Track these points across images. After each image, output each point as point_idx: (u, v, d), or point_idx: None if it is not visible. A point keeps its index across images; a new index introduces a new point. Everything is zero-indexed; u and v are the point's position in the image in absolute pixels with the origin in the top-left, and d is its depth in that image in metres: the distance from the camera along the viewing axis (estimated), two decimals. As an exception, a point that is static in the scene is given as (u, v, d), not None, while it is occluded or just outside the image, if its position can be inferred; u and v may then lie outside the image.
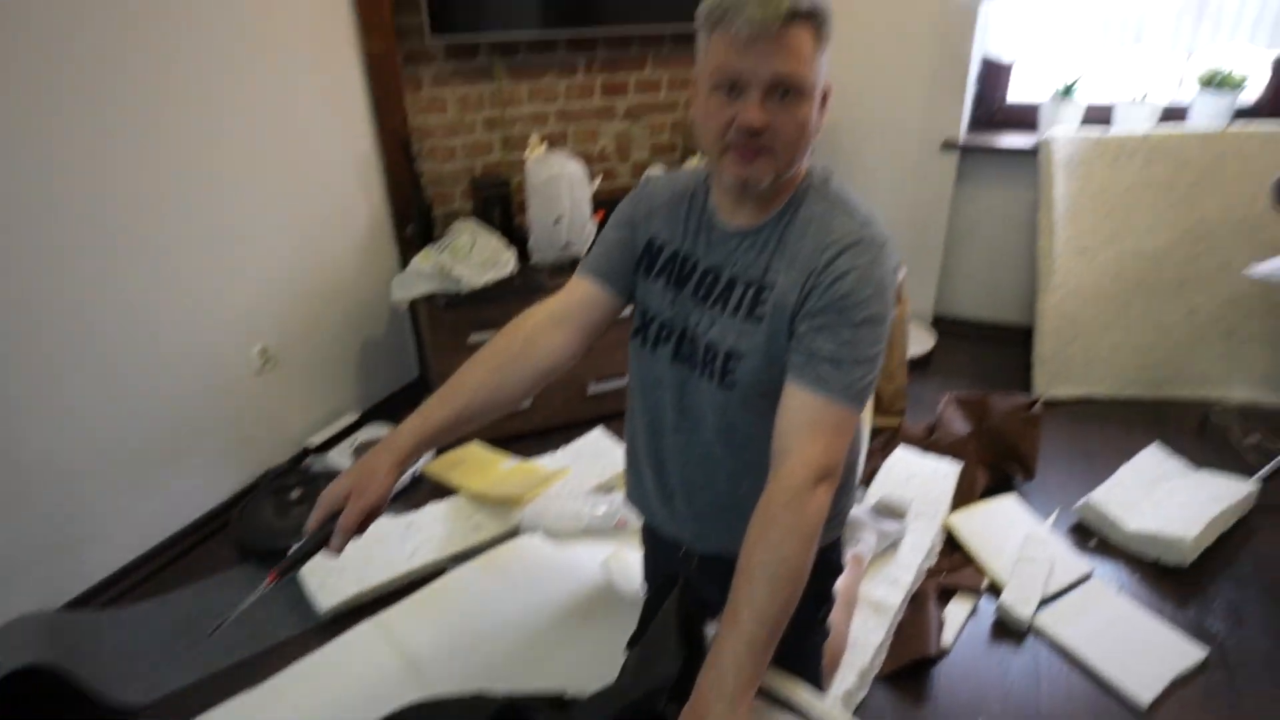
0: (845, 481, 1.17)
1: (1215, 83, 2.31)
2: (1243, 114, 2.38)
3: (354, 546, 1.39)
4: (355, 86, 2.17)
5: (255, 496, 1.99)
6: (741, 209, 0.99)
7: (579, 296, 1.08)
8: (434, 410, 0.98)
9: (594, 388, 2.34)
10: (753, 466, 1.03)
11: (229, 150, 1.86)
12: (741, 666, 0.79)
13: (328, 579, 1.74)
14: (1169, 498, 1.93)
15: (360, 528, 0.90)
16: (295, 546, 0.90)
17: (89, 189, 1.60)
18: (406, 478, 2.12)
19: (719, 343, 0.99)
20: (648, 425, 1.13)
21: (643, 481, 1.20)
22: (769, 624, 0.81)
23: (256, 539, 1.87)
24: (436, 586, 1.70)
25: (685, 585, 1.21)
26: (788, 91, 0.88)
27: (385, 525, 1.90)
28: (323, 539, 0.90)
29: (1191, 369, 2.43)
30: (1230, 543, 1.85)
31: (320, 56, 2.05)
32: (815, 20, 0.88)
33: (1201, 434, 2.27)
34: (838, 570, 1.28)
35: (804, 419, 0.90)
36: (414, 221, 2.27)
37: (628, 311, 1.13)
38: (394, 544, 1.85)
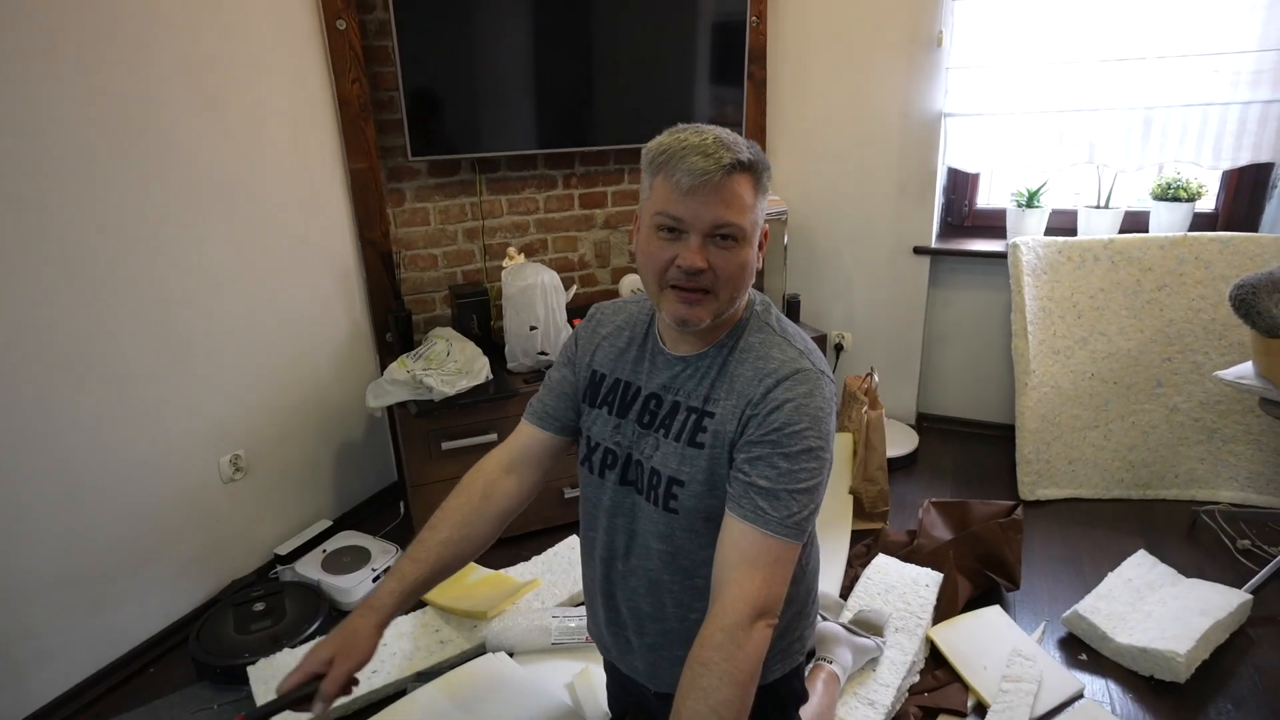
0: (802, 606, 1.14)
1: (1169, 194, 2.40)
2: (1201, 221, 2.45)
3: None
4: (339, 201, 2.26)
5: (215, 610, 1.94)
6: (684, 340, 1.02)
7: (524, 441, 1.14)
8: (408, 570, 1.04)
9: (570, 493, 2.31)
10: (701, 593, 1.01)
11: (208, 259, 1.92)
12: None
13: (282, 702, 1.67)
14: (1160, 607, 1.87)
15: (345, 691, 0.94)
16: (269, 701, 0.91)
17: (54, 290, 1.63)
18: (377, 585, 2.07)
19: (662, 469, 1.00)
20: (598, 553, 1.12)
21: (596, 615, 1.17)
22: None
23: (215, 655, 1.80)
24: (392, 711, 1.63)
25: (636, 718, 1.16)
26: (727, 236, 0.92)
27: (348, 641, 1.84)
28: (301, 699, 0.91)
29: (1177, 469, 2.40)
30: (1227, 657, 1.77)
31: (304, 172, 2.15)
32: (754, 171, 0.93)
33: (1191, 536, 2.22)
34: (800, 698, 1.22)
35: (741, 553, 0.89)
36: (393, 329, 2.31)
37: None
38: (355, 662, 1.78)
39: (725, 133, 0.93)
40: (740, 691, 0.82)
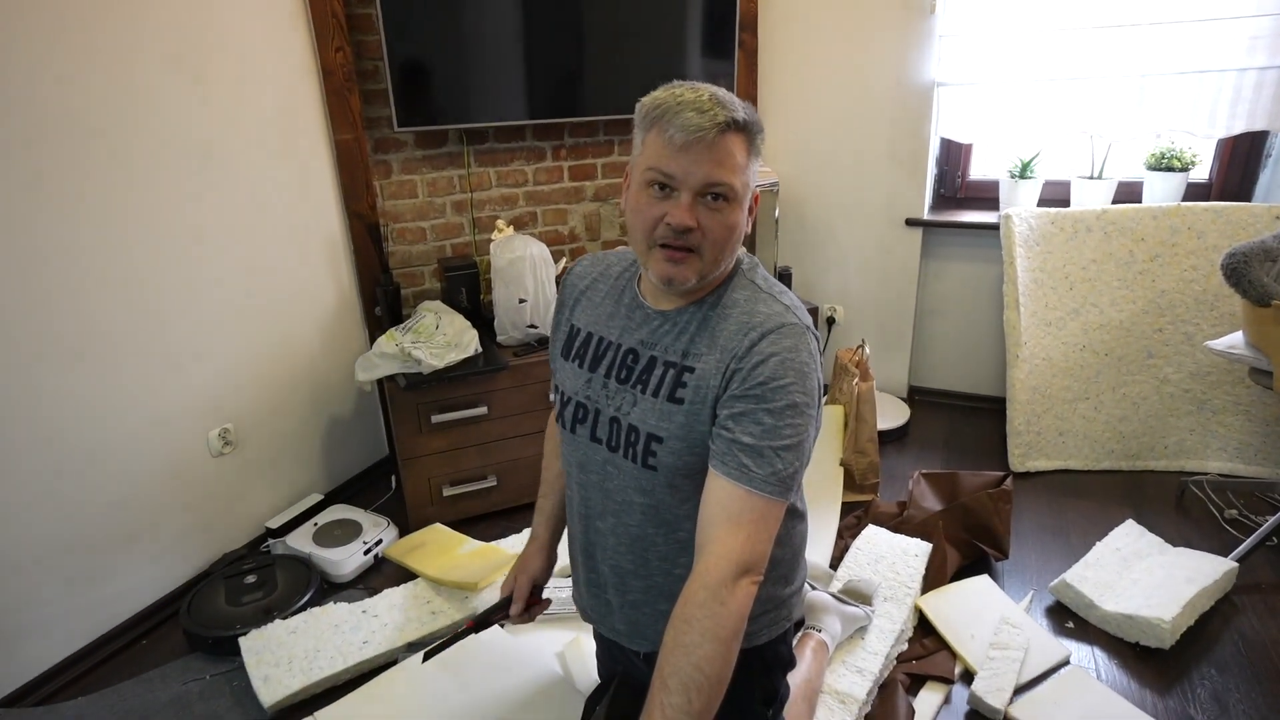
0: (788, 570, 1.14)
1: (1163, 164, 2.38)
2: (1195, 192, 2.44)
3: (304, 635, 1.74)
4: (324, 173, 2.23)
5: (208, 582, 1.94)
6: (666, 296, 1.00)
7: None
8: (543, 503, 1.30)
9: (561, 466, 2.31)
10: (685, 547, 1.01)
11: (194, 235, 1.90)
12: None
13: (273, 671, 1.68)
14: (1146, 576, 1.88)
15: (534, 601, 1.25)
16: (481, 613, 1.24)
17: (42, 265, 1.61)
18: (369, 558, 2.08)
19: (640, 425, 0.98)
20: (577, 510, 1.12)
21: (577, 576, 1.17)
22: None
23: (207, 627, 1.81)
24: (382, 680, 1.65)
25: (619, 688, 1.17)
26: (718, 196, 0.91)
27: (339, 613, 1.85)
28: (498, 608, 1.23)
29: (1166, 440, 2.41)
30: (1212, 624, 1.79)
31: (289, 144, 2.11)
32: (749, 132, 0.91)
33: (1179, 507, 2.23)
34: (788, 664, 1.23)
35: (725, 510, 0.88)
36: (382, 302, 2.30)
37: None
38: (347, 631, 1.79)
39: (721, 91, 0.92)
40: (723, 648, 0.82)
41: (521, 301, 2.18)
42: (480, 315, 2.36)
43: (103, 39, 1.65)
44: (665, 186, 0.91)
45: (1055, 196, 2.59)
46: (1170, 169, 2.38)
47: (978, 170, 2.81)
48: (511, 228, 2.37)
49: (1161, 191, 2.41)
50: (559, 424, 1.10)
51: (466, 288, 2.35)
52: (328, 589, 2.01)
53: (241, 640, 1.75)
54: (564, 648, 1.70)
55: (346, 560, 2.03)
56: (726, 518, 0.88)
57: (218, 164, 1.93)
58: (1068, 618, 1.84)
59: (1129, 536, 2.03)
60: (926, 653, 1.74)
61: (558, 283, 2.30)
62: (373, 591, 1.96)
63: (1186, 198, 2.41)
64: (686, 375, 0.96)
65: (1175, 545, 2.00)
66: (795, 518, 1.10)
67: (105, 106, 1.67)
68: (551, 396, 1.14)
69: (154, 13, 1.74)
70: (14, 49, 1.51)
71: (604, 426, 1.02)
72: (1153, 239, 2.33)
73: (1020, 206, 2.46)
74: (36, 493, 1.65)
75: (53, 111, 1.58)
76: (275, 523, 2.16)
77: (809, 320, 0.97)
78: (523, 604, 1.22)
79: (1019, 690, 1.61)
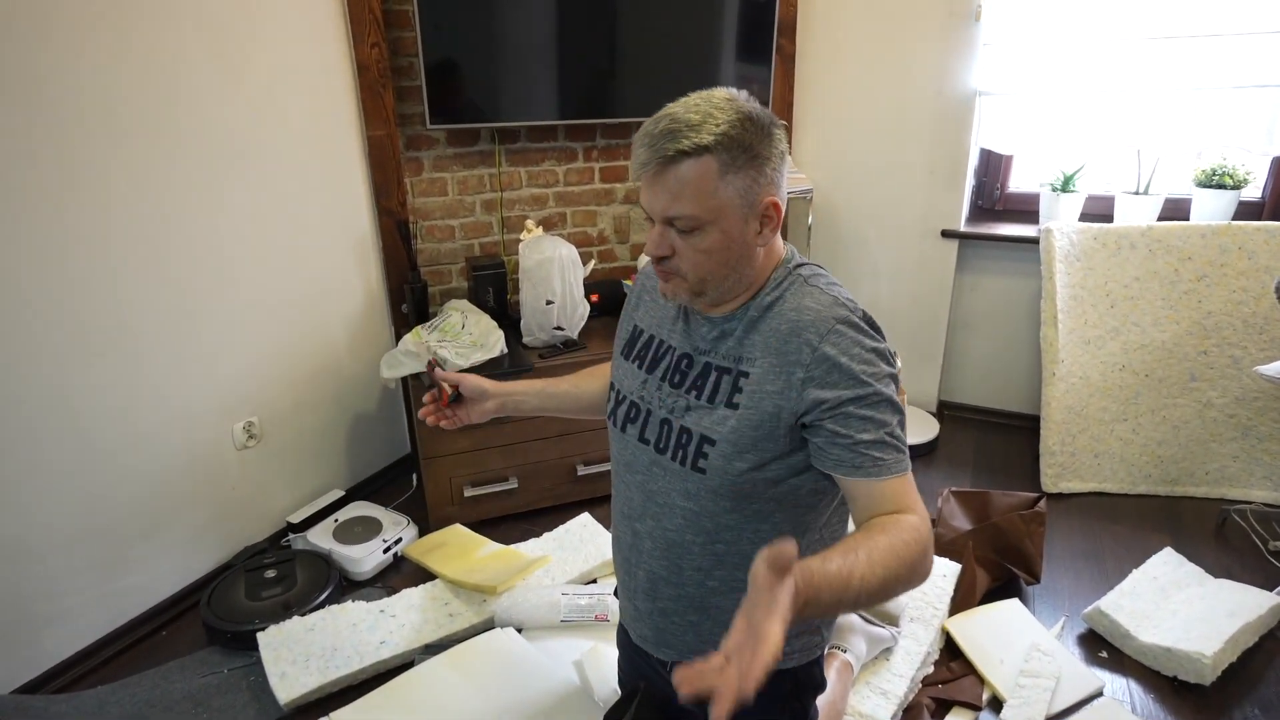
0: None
1: (1214, 182, 2.30)
2: (1246, 210, 2.36)
3: (322, 632, 1.75)
4: (356, 169, 2.23)
5: (228, 576, 1.94)
6: (704, 305, 0.99)
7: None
8: (533, 379, 1.27)
9: (583, 469, 2.29)
10: (723, 561, 0.99)
11: (223, 226, 1.90)
12: (833, 587, 0.73)
13: (290, 669, 1.67)
14: (1186, 607, 1.82)
15: (455, 398, 1.20)
16: (439, 371, 1.20)
17: (73, 259, 1.62)
18: (388, 557, 2.07)
19: (694, 427, 0.97)
20: (620, 510, 1.10)
21: (619, 576, 1.16)
22: (876, 578, 0.77)
23: (226, 620, 1.81)
24: (399, 682, 1.63)
25: (643, 703, 1.14)
26: (682, 228, 0.90)
27: (358, 611, 1.84)
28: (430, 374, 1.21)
29: (1207, 466, 2.33)
30: (1255, 661, 1.72)
31: (322, 139, 2.12)
32: (715, 152, 0.86)
33: (1220, 536, 2.16)
34: (819, 687, 1.19)
35: (885, 505, 0.88)
36: (409, 300, 2.29)
37: None
38: (364, 631, 1.79)
39: (689, 112, 0.87)
40: (920, 551, 0.82)
41: (549, 303, 2.16)
42: (507, 316, 2.34)
43: (140, 34, 1.65)
44: (648, 215, 0.94)
45: (1098, 211, 2.52)
46: (1221, 186, 2.31)
47: (1018, 183, 2.74)
48: (541, 228, 2.35)
49: (1211, 209, 2.33)
50: (610, 421, 1.09)
51: (494, 288, 2.34)
52: (346, 586, 2.01)
53: (260, 636, 1.74)
54: (582, 656, 1.68)
55: (366, 558, 2.02)
56: (891, 508, 0.87)
57: (250, 158, 1.93)
58: (1101, 647, 1.78)
59: (1167, 565, 1.97)
60: (953, 677, 1.69)
61: (586, 288, 2.28)
62: (391, 590, 1.95)
63: (1237, 217, 2.33)
64: (742, 380, 0.94)
65: (1216, 576, 1.93)
66: (829, 541, 1.07)
67: (140, 101, 1.68)
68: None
69: (192, 7, 1.74)
70: (51, 44, 1.52)
71: (654, 428, 1.01)
72: (1200, 258, 2.25)
73: (1061, 221, 2.40)
74: (62, 483, 1.66)
75: (87, 106, 1.59)
76: (296, 517, 2.16)
77: (859, 304, 0.96)
78: (446, 382, 1.19)
79: (1049, 721, 1.56)
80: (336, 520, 2.15)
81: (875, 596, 0.78)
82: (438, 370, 1.19)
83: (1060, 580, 2.00)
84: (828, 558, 0.75)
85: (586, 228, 2.64)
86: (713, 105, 0.88)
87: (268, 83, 1.94)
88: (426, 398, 1.20)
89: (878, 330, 0.94)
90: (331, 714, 1.56)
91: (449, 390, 1.17)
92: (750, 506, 0.96)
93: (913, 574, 0.82)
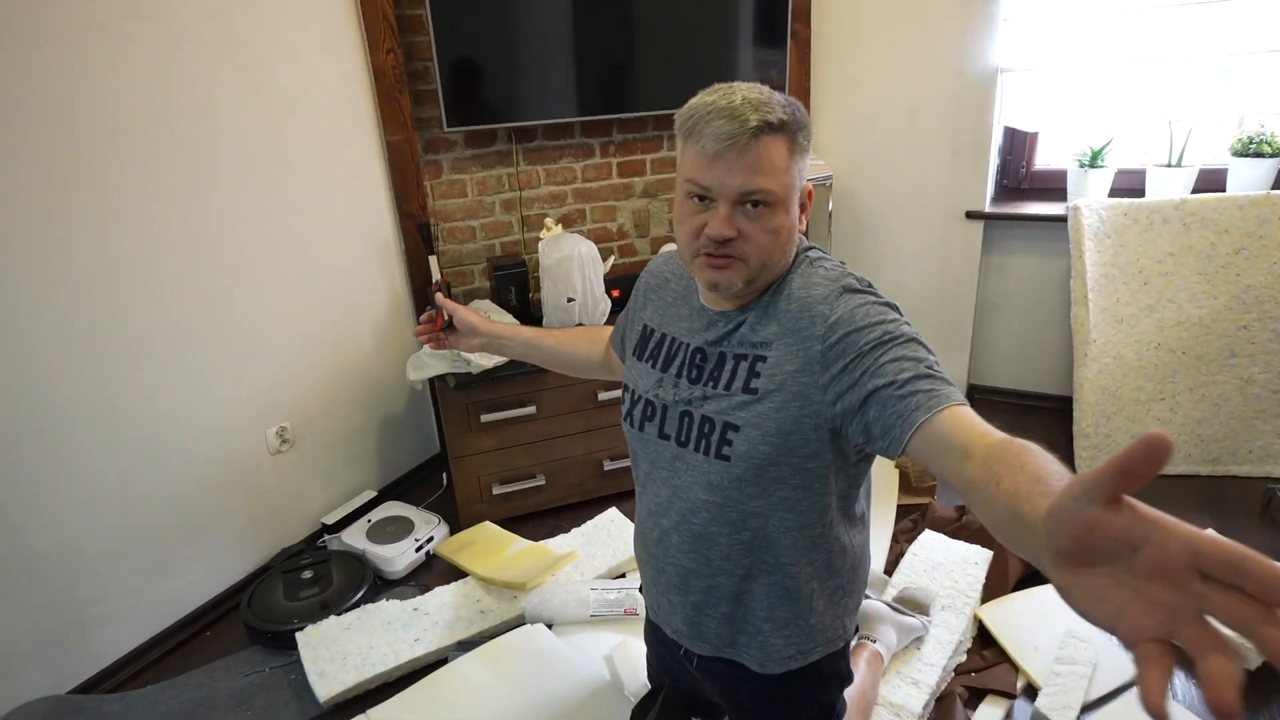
0: (846, 581, 1.10)
1: (1251, 150, 2.22)
2: (1286, 178, 2.27)
3: (358, 631, 1.82)
4: (376, 174, 2.26)
5: (266, 577, 2.00)
6: (722, 299, 0.98)
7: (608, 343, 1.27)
8: (524, 328, 1.31)
9: (609, 465, 2.31)
10: (751, 549, 0.99)
11: (251, 236, 1.95)
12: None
13: (328, 667, 1.71)
14: (1228, 590, 1.77)
15: (449, 325, 1.24)
16: (440, 296, 1.26)
17: (108, 270, 1.68)
18: (420, 555, 2.11)
19: (715, 417, 0.96)
20: (646, 507, 1.11)
21: (645, 573, 1.16)
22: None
23: (266, 621, 1.86)
24: (434, 679, 1.67)
25: (668, 697, 1.15)
26: (757, 203, 0.88)
27: (392, 610, 1.88)
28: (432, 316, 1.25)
29: (1251, 444, 2.26)
30: (1301, 643, 1.67)
31: (342, 146, 2.15)
32: (787, 131, 0.87)
33: (1266, 515, 2.10)
34: (846, 679, 1.19)
35: (957, 436, 0.76)
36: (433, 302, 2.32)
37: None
38: (399, 629, 1.82)
39: (758, 91, 0.88)
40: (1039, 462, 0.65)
41: (570, 300, 2.18)
42: (529, 313, 2.36)
43: (162, 50, 1.70)
44: (704, 197, 0.89)
45: (1129, 186, 2.45)
46: (1259, 155, 2.22)
47: (1044, 160, 2.68)
48: (560, 226, 2.36)
49: (1249, 179, 2.25)
50: (626, 422, 1.09)
51: (515, 286, 2.36)
52: (381, 585, 2.05)
53: (298, 635, 1.79)
54: (612, 650, 1.69)
55: (399, 557, 2.06)
56: (960, 436, 0.75)
57: (273, 169, 1.97)
58: (1140, 633, 1.74)
59: (1209, 547, 1.91)
60: (986, 665, 1.68)
61: (607, 284, 2.28)
62: (424, 589, 1.99)
63: (1276, 186, 2.24)
64: (760, 365, 0.93)
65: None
66: (853, 527, 1.06)
67: (167, 119, 1.72)
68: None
69: (212, 24, 1.78)
70: (79, 65, 1.56)
71: (673, 422, 1.01)
72: (1238, 230, 2.18)
73: (1090, 197, 2.33)
74: (107, 490, 1.72)
75: (118, 127, 1.64)
76: (331, 519, 2.21)
77: (865, 279, 0.95)
78: (442, 307, 1.24)
79: (1086, 708, 1.54)
80: (370, 521, 2.20)
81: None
82: (439, 295, 1.25)
83: (1097, 565, 1.96)
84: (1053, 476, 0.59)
85: (606, 223, 2.65)
86: (764, 91, 0.88)
87: (287, 94, 1.97)
88: (423, 317, 1.25)
89: (880, 297, 0.93)
90: (369, 711, 1.60)
91: (445, 318, 1.24)
92: (776, 493, 0.95)
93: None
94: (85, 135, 1.59)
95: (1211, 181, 2.35)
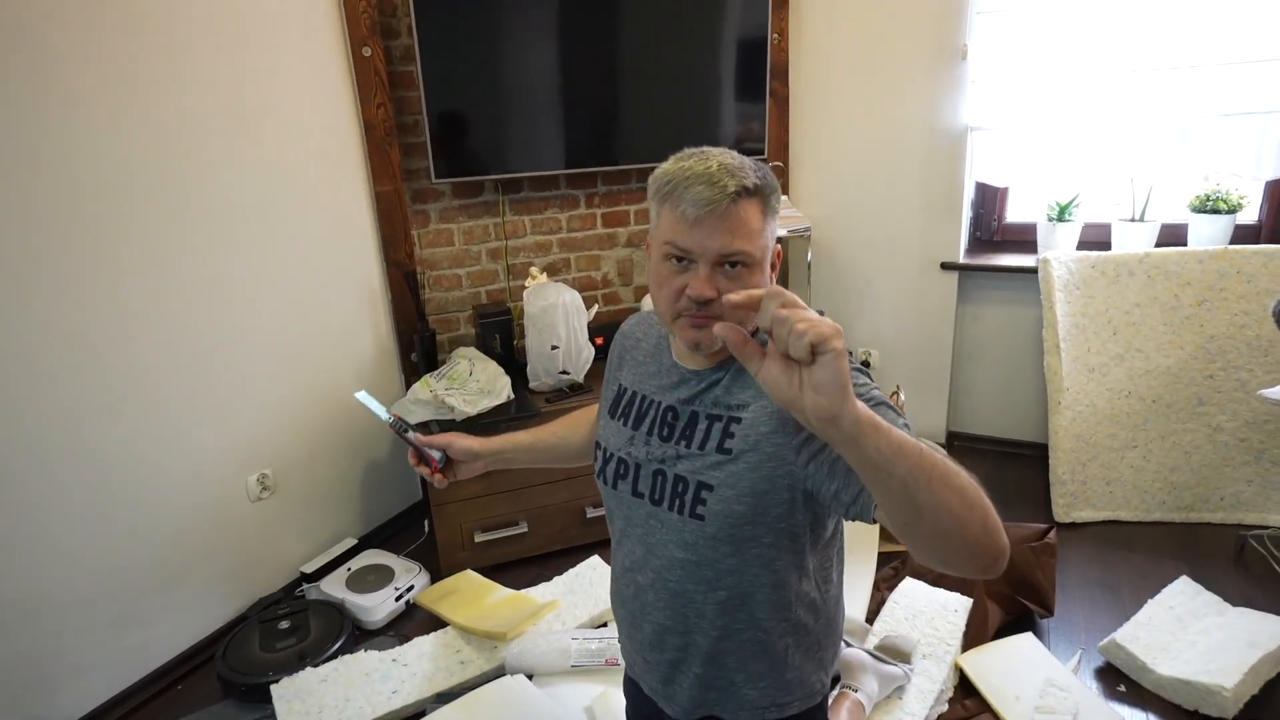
0: (821, 637, 1.11)
1: (1209, 207, 2.32)
2: (1243, 234, 2.37)
3: (334, 683, 1.74)
4: (365, 223, 2.30)
5: (243, 628, 1.96)
6: (698, 355, 1.01)
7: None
8: (518, 433, 1.25)
9: (592, 512, 2.31)
10: (726, 608, 0.99)
11: (236, 281, 1.97)
12: (873, 418, 0.67)
13: (303, 721, 1.68)
14: (1204, 638, 1.79)
15: (435, 461, 1.15)
16: (414, 435, 1.16)
17: (90, 315, 1.68)
18: (400, 604, 2.08)
19: (689, 476, 0.98)
20: (621, 564, 1.11)
21: (622, 629, 1.16)
22: (910, 448, 0.69)
23: (241, 673, 1.82)
24: (410, 733, 1.63)
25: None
26: (735, 264, 0.91)
27: (370, 661, 1.85)
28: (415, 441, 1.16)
29: (1222, 491, 2.31)
30: (1278, 692, 1.69)
31: (331, 195, 2.19)
32: (761, 195, 0.91)
33: (1238, 562, 2.13)
34: (823, 732, 1.19)
35: None
36: (418, 349, 2.34)
37: None
38: (377, 681, 1.79)
39: (731, 157, 0.92)
40: (975, 489, 0.73)
41: (554, 348, 2.21)
42: (514, 361, 2.38)
43: (155, 98, 1.74)
44: (683, 260, 0.92)
45: (1095, 239, 2.54)
46: (1216, 211, 2.32)
47: (1015, 213, 2.77)
48: (545, 274, 2.40)
49: (1208, 234, 2.35)
50: (599, 479, 1.10)
51: (500, 334, 2.39)
52: (360, 635, 2.02)
53: (273, 688, 1.76)
54: (593, 701, 1.67)
55: (379, 606, 2.04)
56: None
57: (263, 217, 2.00)
58: (1119, 680, 1.75)
59: (1184, 594, 1.94)
60: (968, 714, 1.67)
61: (591, 332, 2.32)
62: (404, 638, 1.96)
63: (1234, 240, 2.34)
64: (734, 425, 0.95)
65: (1235, 604, 1.90)
66: (828, 583, 1.08)
67: (155, 166, 1.76)
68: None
69: (206, 74, 1.83)
70: (72, 108, 1.60)
71: (645, 480, 1.02)
72: (1199, 283, 2.26)
73: (1059, 250, 2.42)
74: (81, 538, 1.70)
75: (105, 174, 1.67)
76: (310, 567, 2.18)
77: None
78: (425, 442, 1.16)
79: (1069, 759, 1.53)
80: (349, 569, 2.18)
81: (920, 470, 0.69)
82: (412, 434, 1.15)
83: (1076, 612, 1.97)
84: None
85: (590, 272, 2.70)
86: (736, 156, 0.92)
87: (279, 145, 2.02)
88: (411, 459, 1.17)
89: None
90: (344, 766, 1.56)
91: (435, 458, 1.15)
92: (750, 551, 0.96)
93: (964, 495, 0.72)
94: (73, 184, 1.62)
95: (1173, 236, 2.44)
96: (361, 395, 1.19)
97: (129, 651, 1.82)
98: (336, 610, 2.02)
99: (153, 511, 1.83)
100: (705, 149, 0.94)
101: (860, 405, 0.65)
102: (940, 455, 0.71)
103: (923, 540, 0.74)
